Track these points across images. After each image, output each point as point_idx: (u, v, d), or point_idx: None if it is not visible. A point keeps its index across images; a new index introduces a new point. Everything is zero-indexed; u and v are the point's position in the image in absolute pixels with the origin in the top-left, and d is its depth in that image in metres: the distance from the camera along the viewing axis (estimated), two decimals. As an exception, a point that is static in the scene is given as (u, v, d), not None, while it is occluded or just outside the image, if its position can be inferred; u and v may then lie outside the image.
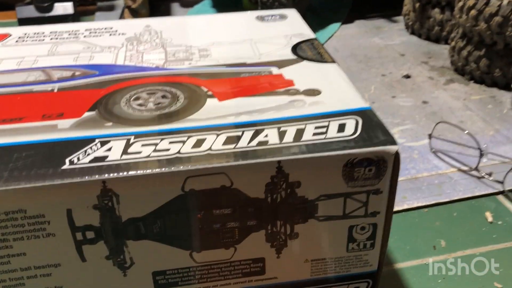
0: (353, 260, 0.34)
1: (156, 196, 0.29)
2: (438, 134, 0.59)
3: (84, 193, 0.28)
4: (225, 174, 0.29)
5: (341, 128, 0.32)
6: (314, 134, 0.31)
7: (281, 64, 0.41)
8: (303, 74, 0.39)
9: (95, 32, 0.48)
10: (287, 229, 0.32)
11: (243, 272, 0.33)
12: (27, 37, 0.47)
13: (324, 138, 0.31)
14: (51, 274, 0.30)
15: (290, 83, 0.38)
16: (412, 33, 1.04)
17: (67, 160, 0.29)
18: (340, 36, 1.03)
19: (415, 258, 0.44)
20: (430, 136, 0.57)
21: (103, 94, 0.37)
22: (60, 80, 0.39)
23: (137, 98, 0.36)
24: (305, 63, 0.41)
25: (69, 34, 0.48)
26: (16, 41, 0.46)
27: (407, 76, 0.83)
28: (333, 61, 0.41)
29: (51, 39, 0.47)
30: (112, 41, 0.46)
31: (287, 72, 0.40)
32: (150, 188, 0.29)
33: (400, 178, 0.50)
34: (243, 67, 0.41)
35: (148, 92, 0.37)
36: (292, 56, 0.43)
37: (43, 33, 0.48)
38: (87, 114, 0.34)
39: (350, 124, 0.32)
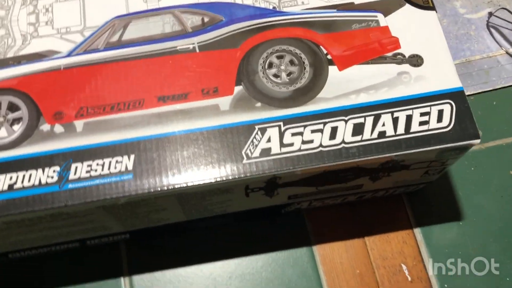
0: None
1: (304, 175, 0.42)
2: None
3: (259, 179, 0.40)
4: (356, 164, 0.41)
5: (440, 116, 0.41)
6: (420, 123, 0.41)
7: (385, 8, 0.45)
8: (406, 26, 0.45)
9: None
10: (386, 175, 0.45)
11: (347, 189, 0.48)
12: None
13: (427, 130, 0.41)
14: (230, 204, 0.46)
15: (397, 43, 0.44)
16: None
17: (243, 154, 0.40)
18: None
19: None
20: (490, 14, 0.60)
21: (240, 57, 0.43)
22: (195, 32, 0.44)
23: (271, 66, 0.43)
24: (407, 8, 0.45)
25: None
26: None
27: None
28: (433, 7, 0.46)
29: None
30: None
31: (392, 22, 0.45)
32: (299, 174, 0.41)
33: (455, 62, 0.59)
34: (352, 11, 0.45)
35: (278, 55, 0.44)
36: (395, -7, 0.46)
37: None
38: (236, 90, 0.42)
39: (447, 111, 0.41)
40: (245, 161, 0.40)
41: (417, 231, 0.53)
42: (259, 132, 0.41)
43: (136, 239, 0.52)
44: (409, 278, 0.51)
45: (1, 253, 0.48)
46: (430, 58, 0.43)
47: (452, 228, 0.53)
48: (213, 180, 0.39)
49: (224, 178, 0.39)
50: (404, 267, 0.51)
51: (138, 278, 0.51)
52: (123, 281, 0.51)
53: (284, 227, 0.53)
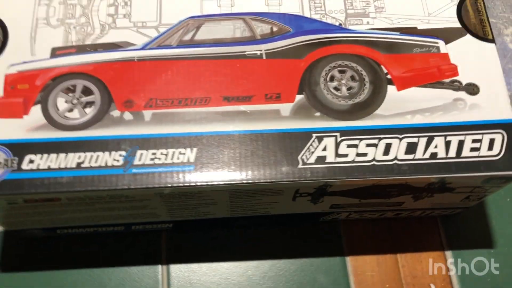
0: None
1: (352, 186, 0.43)
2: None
3: (311, 184, 0.42)
4: (406, 181, 0.43)
5: (491, 145, 0.43)
6: (471, 149, 0.43)
7: (447, 36, 0.47)
8: (465, 55, 0.46)
9: None
10: (429, 195, 0.47)
11: (388, 205, 0.50)
12: None
13: (478, 156, 0.42)
14: (275, 206, 0.48)
15: (455, 70, 0.46)
16: None
17: (299, 159, 0.42)
18: None
19: None
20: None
21: (303, 68, 0.45)
22: (263, 40, 0.46)
23: (332, 79, 0.45)
24: (468, 38, 0.47)
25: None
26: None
27: None
28: (493, 39, 0.47)
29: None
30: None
31: (451, 50, 0.47)
32: (349, 184, 0.43)
33: None
34: (415, 36, 0.47)
35: (340, 70, 0.46)
36: (456, 24, 0.48)
37: None
38: (298, 98, 0.44)
39: (498, 141, 0.43)
40: (300, 165, 0.42)
41: (449, 253, 0.54)
42: (316, 140, 0.43)
43: (178, 230, 0.54)
44: (437, 299, 0.52)
45: (51, 228, 0.51)
46: (486, 88, 0.45)
47: (483, 254, 0.54)
48: (269, 180, 0.41)
49: (280, 180, 0.41)
50: (433, 287, 0.53)
51: (175, 268, 0.53)
52: (161, 269, 0.53)
53: (320, 235, 0.55)
